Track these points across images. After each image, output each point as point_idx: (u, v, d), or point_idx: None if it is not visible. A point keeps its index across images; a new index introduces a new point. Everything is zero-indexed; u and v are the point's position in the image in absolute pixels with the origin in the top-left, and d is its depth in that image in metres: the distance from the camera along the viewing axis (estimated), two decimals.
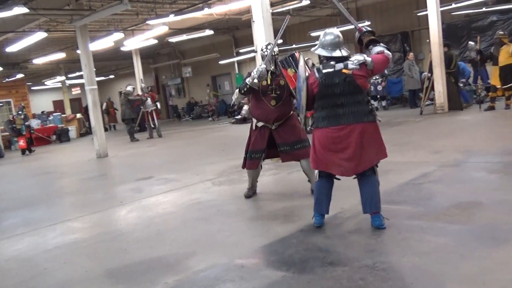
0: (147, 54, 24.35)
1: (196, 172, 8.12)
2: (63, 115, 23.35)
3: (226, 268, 3.63)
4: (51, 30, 14.15)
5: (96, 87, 12.46)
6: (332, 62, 4.06)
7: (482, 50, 12.09)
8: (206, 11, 13.42)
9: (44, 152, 16.80)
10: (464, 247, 3.45)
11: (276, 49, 5.36)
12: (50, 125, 21.65)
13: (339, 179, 4.27)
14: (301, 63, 4.28)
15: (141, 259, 4.09)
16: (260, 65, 5.26)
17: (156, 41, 17.74)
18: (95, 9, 11.66)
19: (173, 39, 18.77)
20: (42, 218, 6.16)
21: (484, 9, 14.83)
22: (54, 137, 20.80)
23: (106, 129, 18.43)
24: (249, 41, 16.39)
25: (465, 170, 5.96)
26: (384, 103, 16.17)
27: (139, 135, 16.54)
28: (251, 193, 5.81)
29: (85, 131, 22.74)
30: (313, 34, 16.98)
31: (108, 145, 12.92)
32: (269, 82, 5.28)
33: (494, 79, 11.23)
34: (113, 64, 26.59)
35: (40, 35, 12.74)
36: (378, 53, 4.07)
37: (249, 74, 5.27)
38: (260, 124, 5.43)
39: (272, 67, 5.31)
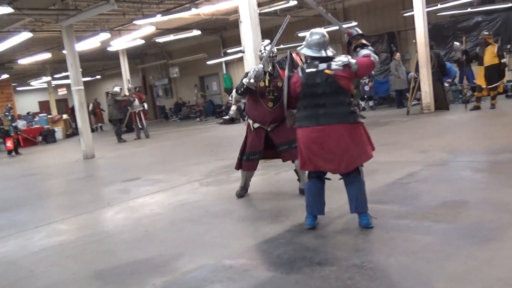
0: (134, 55, 24.22)
1: (183, 172, 8.09)
2: (49, 116, 23.13)
3: (214, 269, 3.62)
4: (36, 30, 14.02)
5: (82, 87, 12.37)
6: (316, 62, 4.06)
7: (467, 50, 12.22)
8: (194, 11, 13.40)
9: (30, 153, 16.63)
10: (451, 245, 3.47)
11: (274, 49, 5.31)
12: (36, 126, 21.44)
13: (329, 179, 4.26)
14: (288, 61, 4.30)
15: (129, 261, 4.06)
16: (257, 65, 5.24)
17: (143, 41, 17.67)
18: (81, 9, 11.56)
19: (161, 39, 18.69)
20: (27, 220, 6.09)
21: (469, 9, 14.99)
22: (40, 138, 20.59)
23: (93, 130, 18.30)
24: (237, 41, 16.35)
25: (451, 170, 6.01)
26: (371, 103, 16.27)
27: (126, 136, 16.44)
28: (243, 192, 5.79)
29: (72, 132, 22.55)
30: (301, 34, 17.01)
31: (95, 146, 12.83)
32: (267, 84, 5.25)
33: (480, 79, 11.35)
34: (100, 64, 26.42)
35: (25, 35, 12.61)
36: (364, 56, 4.07)
37: (246, 74, 5.25)
38: (256, 125, 5.42)
39: (270, 68, 5.29)
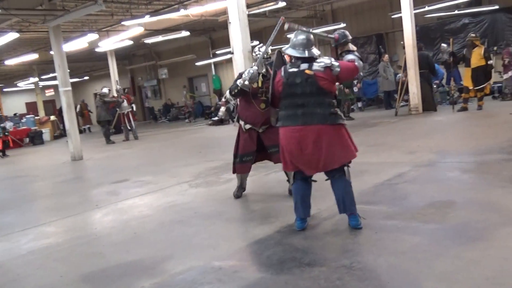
0: (122, 55, 24.11)
1: (172, 174, 8.06)
2: (36, 117, 22.92)
3: (203, 271, 3.60)
4: (23, 31, 13.90)
5: (70, 88, 12.26)
6: (298, 62, 4.07)
7: (454, 52, 12.33)
8: (182, 12, 13.37)
9: (17, 155, 16.46)
10: (439, 246, 3.50)
11: (269, 51, 5.29)
12: (23, 127, 21.22)
13: (315, 180, 4.26)
14: (276, 57, 4.30)
15: (117, 263, 4.03)
16: (251, 66, 5.23)
17: (131, 42, 17.60)
18: (68, 10, 11.48)
19: (149, 40, 18.63)
20: (14, 223, 6.02)
21: (456, 12, 15.13)
22: (27, 139, 20.38)
23: (81, 131, 18.18)
24: (226, 43, 16.38)
25: (439, 170, 6.06)
26: (359, 104, 16.34)
27: (115, 137, 16.34)
28: (240, 192, 5.78)
29: (59, 133, 22.36)
30: (290, 35, 17.05)
31: (83, 147, 12.73)
32: (259, 85, 5.25)
33: (467, 81, 11.46)
34: (88, 65, 26.26)
35: (12, 36, 12.50)
36: (349, 61, 4.09)
37: (240, 76, 5.23)
38: (247, 126, 5.41)
39: (264, 70, 5.29)
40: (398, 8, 12.88)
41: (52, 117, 23.63)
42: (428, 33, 15.90)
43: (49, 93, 28.29)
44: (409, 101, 12.77)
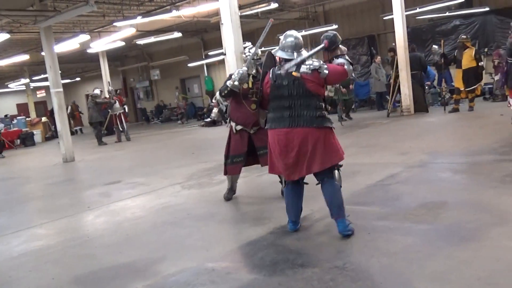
0: (114, 56, 24.02)
1: (165, 175, 8.04)
2: (27, 119, 22.77)
3: (196, 272, 3.60)
4: (14, 32, 13.80)
5: (61, 89, 12.20)
6: (286, 64, 4.03)
7: (445, 53, 12.41)
8: (174, 13, 13.34)
9: (8, 156, 16.33)
10: (431, 246, 3.52)
11: (258, 51, 5.30)
12: (14, 129, 21.07)
13: (307, 183, 4.23)
14: (266, 58, 4.27)
15: (110, 265, 4.02)
16: (241, 67, 5.24)
17: (123, 43, 17.53)
18: (59, 10, 11.42)
19: (141, 41, 18.59)
20: (5, 225, 5.98)
21: (447, 13, 15.23)
22: (18, 141, 20.24)
23: (72, 133, 18.08)
24: (218, 44, 16.35)
25: (431, 171, 6.09)
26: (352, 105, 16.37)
27: (107, 139, 16.28)
28: (230, 195, 5.77)
29: (51, 135, 22.24)
30: (282, 37, 17.07)
31: (75, 149, 12.68)
32: (250, 86, 5.25)
33: (458, 82, 11.53)
34: (80, 66, 26.14)
35: (3, 37, 12.40)
36: (338, 64, 4.01)
37: (230, 77, 5.24)
38: (238, 127, 5.40)
39: (254, 71, 5.30)
40: (390, 10, 12.93)
41: (44, 119, 23.50)
42: (419, 35, 15.99)
43: (41, 94, 28.13)
44: (401, 102, 12.82)
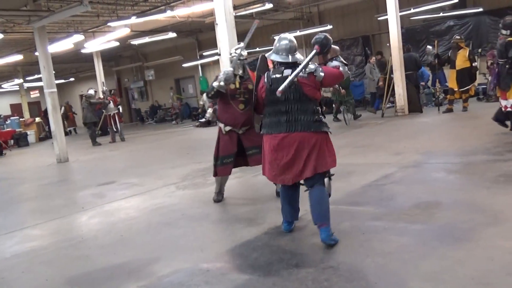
0: (108, 57, 23.95)
1: (159, 176, 8.03)
2: (21, 119, 22.65)
3: (190, 273, 3.59)
4: (8, 32, 13.75)
5: (55, 90, 12.15)
6: (282, 68, 3.97)
7: (439, 54, 12.45)
8: (169, 13, 13.32)
9: (1, 157, 16.25)
10: (425, 246, 3.53)
11: (244, 52, 5.33)
12: (8, 129, 20.96)
13: (303, 184, 4.15)
14: (259, 62, 4.23)
15: (104, 266, 4.00)
16: (227, 68, 5.25)
17: (117, 44, 17.48)
18: (53, 10, 11.38)
19: (136, 42, 18.54)
20: None
21: (441, 14, 15.28)
22: (12, 142, 20.12)
23: (66, 133, 18.00)
24: (213, 44, 16.35)
25: (425, 171, 6.10)
26: (345, 106, 16.38)
27: (101, 139, 16.24)
28: (220, 197, 5.75)
29: (45, 135, 22.14)
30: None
31: (69, 149, 12.62)
32: (237, 86, 5.25)
33: (452, 82, 11.56)
34: (74, 66, 26.06)
35: None
36: (334, 67, 3.97)
37: (217, 78, 5.25)
38: (227, 128, 5.40)
39: (241, 71, 5.30)
40: (384, 10, 12.97)
41: (37, 119, 23.40)
42: (413, 35, 16.04)
43: (34, 94, 28.00)
44: (395, 102, 12.86)
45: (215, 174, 5.54)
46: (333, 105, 13.82)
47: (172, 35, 17.19)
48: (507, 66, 7.34)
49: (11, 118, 22.62)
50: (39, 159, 13.76)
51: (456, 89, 11.40)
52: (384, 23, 14.53)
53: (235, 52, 5.37)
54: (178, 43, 22.07)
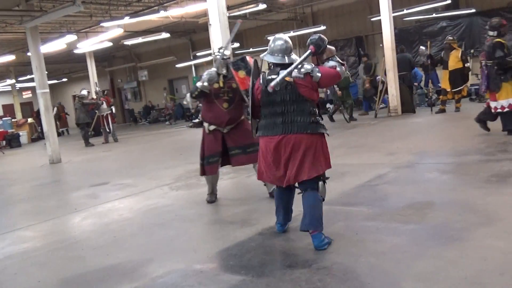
0: (101, 57, 23.88)
1: (153, 177, 8.00)
2: (13, 120, 22.53)
3: (184, 274, 3.58)
4: (0, 32, 13.66)
5: (48, 90, 12.09)
6: (277, 69, 3.90)
7: (432, 54, 12.51)
8: (162, 13, 13.29)
9: None
10: (418, 246, 3.54)
11: (227, 52, 5.38)
12: (0, 130, 20.83)
13: (297, 187, 4.07)
14: (253, 67, 4.20)
15: (97, 267, 3.98)
16: (211, 68, 5.29)
17: (111, 44, 17.43)
18: (46, 11, 11.33)
19: (129, 42, 18.50)
20: None
21: (434, 15, 15.36)
22: (3, 142, 20.00)
23: (59, 134, 17.93)
24: (206, 45, 16.36)
25: (418, 171, 6.13)
26: (332, 107, 16.42)
27: (94, 140, 16.17)
28: (213, 198, 5.74)
29: (37, 136, 22.03)
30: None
31: (62, 150, 12.57)
32: (221, 85, 5.29)
33: (444, 83, 11.62)
34: (66, 67, 25.95)
35: None
36: (330, 67, 3.91)
37: (201, 78, 5.27)
38: (212, 127, 5.41)
39: (224, 71, 5.31)
40: (377, 11, 13.01)
41: (30, 120, 23.28)
42: (406, 36, 16.11)
43: (27, 95, 27.88)
44: (388, 103, 12.91)
45: (203, 173, 5.54)
46: (329, 106, 13.87)
47: (165, 35, 17.17)
48: (495, 67, 7.38)
49: (3, 118, 22.49)
50: (31, 160, 13.69)
51: (448, 89, 11.46)
52: (377, 24, 14.59)
53: (219, 52, 5.40)
54: (172, 43, 22.03)
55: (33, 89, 19.61)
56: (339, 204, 4.84)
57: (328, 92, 15.58)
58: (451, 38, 11.84)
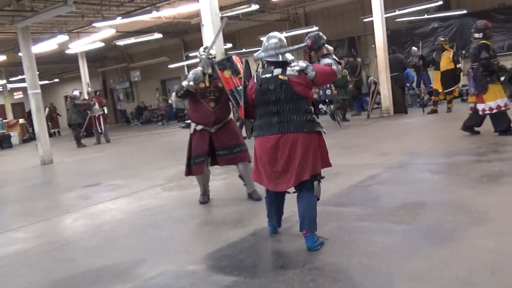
0: (94, 58, 23.78)
1: (145, 177, 7.98)
2: (4, 121, 22.36)
3: (176, 275, 3.57)
4: None
5: (39, 91, 12.02)
6: (271, 67, 3.86)
7: (424, 55, 12.58)
8: (154, 14, 13.26)
9: None
10: (410, 246, 3.55)
11: (212, 51, 5.39)
12: None
13: (289, 192, 4.05)
14: (244, 68, 4.18)
15: (89, 269, 3.96)
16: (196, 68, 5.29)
17: (103, 44, 17.37)
18: (37, 11, 11.26)
19: (121, 42, 18.44)
20: None
21: (426, 16, 15.44)
22: None
23: (50, 135, 17.83)
24: (199, 45, 16.23)
25: (410, 172, 6.15)
26: (332, 107, 16.46)
27: (86, 141, 16.10)
28: (206, 199, 5.73)
29: (29, 137, 21.91)
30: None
31: (53, 151, 12.50)
32: (207, 85, 5.29)
33: (436, 84, 11.68)
34: (58, 67, 25.83)
35: None
36: (326, 65, 3.85)
37: (186, 77, 5.27)
38: (199, 127, 5.40)
39: (210, 70, 5.31)
40: (370, 12, 13.06)
41: (21, 120, 23.14)
42: (399, 37, 16.19)
43: (18, 95, 27.72)
44: (380, 103, 12.95)
45: (188, 173, 5.51)
46: (321, 106, 13.88)
47: (158, 36, 17.14)
48: (480, 68, 7.43)
49: None
50: (22, 161, 13.60)
51: (440, 90, 11.52)
52: (369, 25, 14.64)
53: (204, 52, 5.40)
54: (164, 44, 22.00)
55: (24, 90, 19.54)
56: (332, 205, 4.84)
57: (321, 92, 15.63)
58: (442, 39, 11.90)
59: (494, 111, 7.42)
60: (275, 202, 4.08)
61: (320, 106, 15.93)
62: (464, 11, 14.75)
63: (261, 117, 3.90)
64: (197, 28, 14.98)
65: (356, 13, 16.93)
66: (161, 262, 3.89)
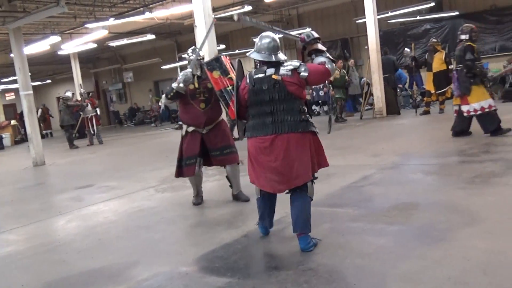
0: (86, 59, 23.69)
1: (138, 179, 7.95)
2: None
3: (170, 277, 3.56)
4: None
5: (31, 92, 11.96)
6: (264, 67, 3.83)
7: (416, 56, 12.64)
8: (147, 15, 13.23)
9: None
10: (403, 247, 3.56)
11: (201, 53, 5.40)
12: None
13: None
14: (237, 68, 4.17)
15: (82, 270, 3.94)
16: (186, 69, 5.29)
17: (95, 45, 17.31)
18: (29, 11, 11.21)
19: (114, 43, 18.39)
20: None
21: (418, 17, 15.52)
22: None
23: (43, 136, 17.74)
24: (192, 46, 16.30)
25: (403, 172, 6.18)
26: (325, 108, 16.52)
27: (78, 142, 16.02)
28: (199, 200, 5.71)
29: (21, 138, 21.78)
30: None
31: (46, 152, 12.44)
32: (197, 86, 5.29)
33: (429, 85, 11.75)
34: (50, 68, 25.69)
35: None
36: (319, 63, 3.81)
37: (175, 79, 5.26)
38: (190, 129, 5.39)
39: (199, 72, 5.31)
40: (362, 13, 13.11)
41: (13, 122, 22.99)
42: (391, 38, 16.27)
43: (10, 97, 27.54)
44: (373, 104, 13.00)
45: (179, 175, 5.50)
46: (315, 107, 13.94)
47: (150, 37, 17.11)
48: (464, 70, 7.47)
49: None
50: (14, 163, 13.52)
51: (433, 91, 11.59)
52: (362, 26, 14.70)
53: (192, 53, 5.40)
54: (157, 45, 21.95)
55: (16, 91, 19.39)
56: (325, 206, 4.85)
57: (314, 93, 15.67)
58: (435, 40, 11.97)
59: (479, 112, 7.46)
60: (269, 204, 4.06)
61: (314, 107, 15.99)
62: (456, 13, 14.84)
63: (254, 117, 3.87)
64: (190, 29, 14.96)
65: (349, 14, 16.99)
66: (154, 264, 3.88)
